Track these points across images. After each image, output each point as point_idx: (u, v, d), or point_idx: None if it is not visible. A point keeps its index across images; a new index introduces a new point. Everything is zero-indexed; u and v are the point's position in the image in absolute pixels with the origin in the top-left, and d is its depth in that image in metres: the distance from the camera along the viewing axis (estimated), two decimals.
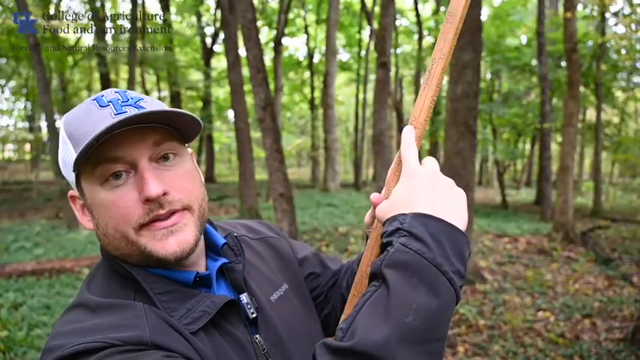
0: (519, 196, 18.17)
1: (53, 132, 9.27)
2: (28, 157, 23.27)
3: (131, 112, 0.68)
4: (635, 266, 6.65)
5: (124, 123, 0.65)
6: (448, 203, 0.64)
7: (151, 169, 0.68)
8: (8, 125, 24.08)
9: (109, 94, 0.71)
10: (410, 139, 0.70)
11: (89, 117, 0.69)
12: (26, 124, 24.26)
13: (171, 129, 0.73)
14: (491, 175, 25.48)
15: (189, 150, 0.80)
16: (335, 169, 18.93)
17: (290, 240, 1.04)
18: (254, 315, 0.78)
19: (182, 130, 0.74)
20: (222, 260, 0.81)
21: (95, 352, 0.59)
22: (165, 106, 0.73)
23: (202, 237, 0.80)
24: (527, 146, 23.13)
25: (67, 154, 0.71)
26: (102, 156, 0.67)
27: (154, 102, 0.74)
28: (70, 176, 0.73)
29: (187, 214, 0.72)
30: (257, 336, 0.77)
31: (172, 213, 0.70)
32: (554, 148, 16.30)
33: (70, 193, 0.77)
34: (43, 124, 18.42)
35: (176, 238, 0.70)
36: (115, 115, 0.67)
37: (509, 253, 7.53)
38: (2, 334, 3.91)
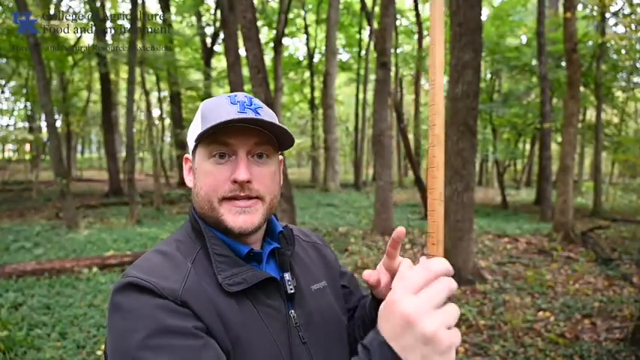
0: (519, 196, 18.18)
1: (53, 132, 9.27)
2: (28, 157, 23.20)
3: (249, 114, 0.88)
4: (635, 266, 6.64)
5: (242, 120, 0.85)
6: (410, 342, 0.69)
7: (246, 160, 0.88)
8: (8, 125, 24.08)
9: (240, 96, 0.91)
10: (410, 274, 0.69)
11: (220, 107, 0.89)
12: (26, 124, 24.22)
13: (272, 136, 0.91)
14: (491, 175, 25.48)
15: (280, 157, 0.99)
16: (335, 169, 18.93)
17: (335, 254, 1.18)
18: (292, 291, 0.91)
19: (280, 140, 0.93)
20: (275, 244, 0.96)
21: (140, 290, 0.76)
22: (275, 118, 0.92)
23: (265, 224, 0.96)
24: (527, 146, 23.13)
25: (196, 128, 0.91)
26: (218, 138, 0.87)
27: (269, 112, 0.93)
28: (192, 144, 0.92)
29: (259, 203, 0.89)
30: (292, 311, 0.90)
31: (249, 198, 0.88)
32: (554, 148, 16.30)
33: (186, 156, 0.98)
34: (43, 124, 18.35)
35: (245, 217, 0.87)
36: (238, 112, 0.87)
37: (509, 253, 7.53)
38: (2, 334, 3.91)
